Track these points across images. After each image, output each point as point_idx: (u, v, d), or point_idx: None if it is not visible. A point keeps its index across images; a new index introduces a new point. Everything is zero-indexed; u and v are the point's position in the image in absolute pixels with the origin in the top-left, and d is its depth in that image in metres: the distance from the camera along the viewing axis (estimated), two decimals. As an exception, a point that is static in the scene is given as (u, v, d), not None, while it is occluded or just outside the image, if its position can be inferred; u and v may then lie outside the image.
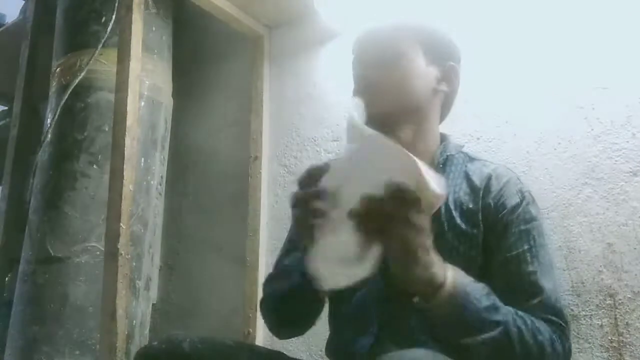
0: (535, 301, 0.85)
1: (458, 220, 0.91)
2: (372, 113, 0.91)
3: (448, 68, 1.02)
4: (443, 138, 1.04)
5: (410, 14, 1.05)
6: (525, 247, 0.89)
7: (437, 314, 0.73)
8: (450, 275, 0.73)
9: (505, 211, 0.91)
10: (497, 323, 0.75)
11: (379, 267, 0.69)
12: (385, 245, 0.68)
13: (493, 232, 0.91)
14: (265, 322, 1.04)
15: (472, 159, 1.02)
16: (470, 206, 0.93)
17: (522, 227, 0.90)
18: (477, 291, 0.76)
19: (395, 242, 0.68)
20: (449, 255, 0.82)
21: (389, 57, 0.97)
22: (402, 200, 0.66)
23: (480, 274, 0.84)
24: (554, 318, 0.84)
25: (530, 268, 0.87)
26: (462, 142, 1.13)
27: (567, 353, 0.83)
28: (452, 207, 0.93)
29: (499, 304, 0.78)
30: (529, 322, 0.80)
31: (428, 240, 0.70)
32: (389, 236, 0.68)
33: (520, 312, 0.81)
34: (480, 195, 0.93)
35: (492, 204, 0.92)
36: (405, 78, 0.97)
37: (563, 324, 0.85)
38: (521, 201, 0.93)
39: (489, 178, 0.95)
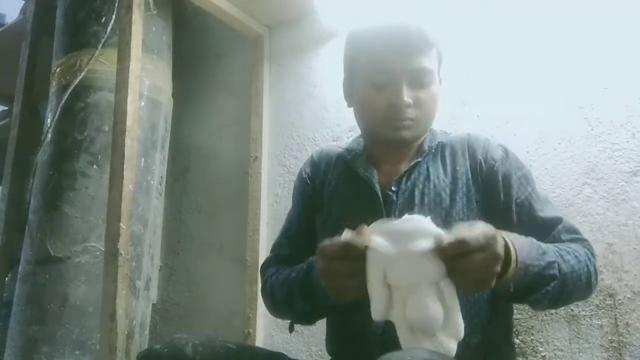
0: (558, 229, 0.93)
1: (451, 186, 0.97)
2: (403, 137, 0.97)
3: (439, 79, 1.05)
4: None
5: (410, 14, 1.04)
6: (529, 189, 0.97)
7: (503, 285, 0.78)
8: (512, 253, 0.76)
9: (496, 163, 0.98)
10: (554, 277, 0.82)
11: None
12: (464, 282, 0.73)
13: (492, 184, 0.97)
14: (269, 308, 1.06)
15: (447, 135, 1.06)
16: (458, 168, 0.99)
17: (519, 173, 0.98)
18: (534, 255, 0.81)
19: (478, 280, 0.73)
20: (451, 216, 0.93)
21: (424, 83, 0.97)
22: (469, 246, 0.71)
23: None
24: (577, 236, 0.94)
25: (540, 205, 0.96)
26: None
27: (595, 257, 0.92)
28: (442, 176, 0.98)
29: (552, 257, 0.83)
30: (571, 251, 0.87)
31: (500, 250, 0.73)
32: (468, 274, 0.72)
33: (556, 246, 0.87)
34: (466, 155, 0.99)
35: (482, 160, 0.98)
36: (436, 103, 1.00)
37: (582, 236, 0.95)
38: (505, 152, 1.00)
39: (468, 138, 1.02)
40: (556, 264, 0.83)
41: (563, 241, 0.92)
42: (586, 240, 0.94)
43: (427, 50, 0.97)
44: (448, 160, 1.00)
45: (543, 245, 0.84)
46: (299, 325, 1.05)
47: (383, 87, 0.97)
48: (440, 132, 1.07)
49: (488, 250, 0.71)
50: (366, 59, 1.00)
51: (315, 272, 0.86)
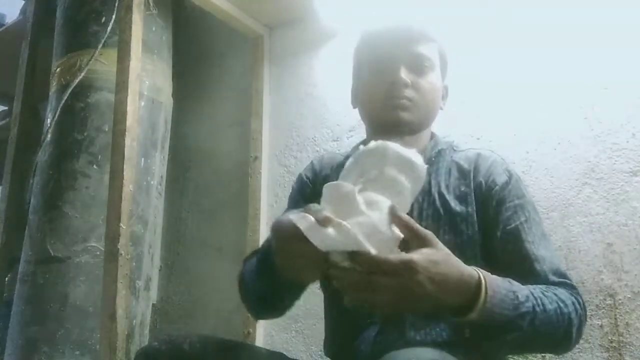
0: (545, 267, 0.89)
1: (452, 204, 0.95)
2: (401, 117, 0.97)
3: (445, 87, 1.08)
4: (432, 135, 1.08)
5: (411, 15, 1.05)
6: (522, 219, 0.93)
7: (468, 324, 0.75)
8: (482, 295, 0.73)
9: (496, 187, 0.95)
10: (521, 327, 0.77)
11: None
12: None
13: (487, 208, 0.95)
14: (242, 300, 1.00)
15: (457, 150, 1.05)
16: (462, 189, 0.97)
17: (516, 202, 0.95)
18: (506, 305, 0.75)
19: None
20: (449, 237, 0.91)
21: (423, 68, 0.99)
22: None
23: (481, 251, 0.92)
24: (566, 281, 0.89)
25: (529, 238, 0.92)
26: (452, 139, 1.15)
27: (584, 309, 0.87)
28: (445, 192, 0.97)
29: (526, 308, 0.77)
30: (555, 300, 0.82)
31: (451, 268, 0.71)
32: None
33: (543, 293, 0.82)
34: (471, 176, 0.97)
35: (483, 182, 0.96)
36: (435, 93, 1.02)
37: (572, 283, 0.90)
38: (509, 178, 0.97)
39: (477, 159, 1.00)
40: (528, 317, 0.77)
41: (550, 283, 0.87)
42: (575, 287, 0.89)
43: (427, 41, 1.01)
44: (452, 178, 0.98)
45: (524, 293, 0.78)
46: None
47: (383, 71, 0.99)
48: (445, 142, 1.07)
49: (402, 279, 0.67)
50: (370, 51, 1.04)
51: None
